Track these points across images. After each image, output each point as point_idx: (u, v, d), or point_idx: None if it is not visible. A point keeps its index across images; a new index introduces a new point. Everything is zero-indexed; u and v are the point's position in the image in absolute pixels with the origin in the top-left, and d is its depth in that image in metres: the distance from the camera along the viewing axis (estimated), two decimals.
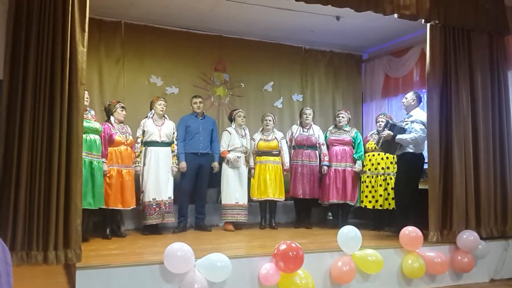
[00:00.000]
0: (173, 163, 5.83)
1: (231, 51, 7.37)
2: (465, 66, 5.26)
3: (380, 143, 5.48)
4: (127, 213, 5.88)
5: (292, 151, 6.53)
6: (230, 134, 6.24)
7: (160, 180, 5.66)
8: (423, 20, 5.13)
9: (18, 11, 3.65)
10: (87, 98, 5.19)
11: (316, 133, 6.54)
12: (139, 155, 5.69)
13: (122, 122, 5.64)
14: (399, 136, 5.24)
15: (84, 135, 4.87)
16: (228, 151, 6.17)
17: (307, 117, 6.55)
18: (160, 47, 6.91)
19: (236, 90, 7.47)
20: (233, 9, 6.19)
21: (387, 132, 5.30)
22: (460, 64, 5.22)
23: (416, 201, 5.35)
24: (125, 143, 5.53)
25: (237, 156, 6.11)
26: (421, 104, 5.64)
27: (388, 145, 5.38)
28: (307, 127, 6.56)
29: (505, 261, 5.20)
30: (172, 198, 5.76)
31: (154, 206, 5.60)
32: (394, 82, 7.64)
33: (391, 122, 5.37)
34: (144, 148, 5.74)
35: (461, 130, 5.13)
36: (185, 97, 6.78)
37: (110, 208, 5.32)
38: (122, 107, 5.63)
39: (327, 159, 6.43)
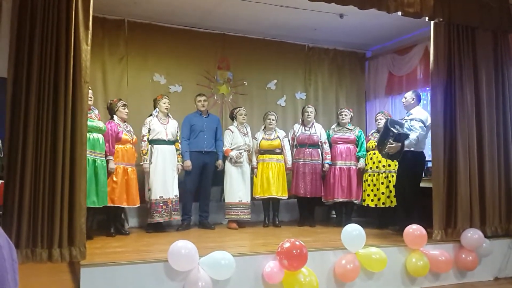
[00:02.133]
0: (178, 161, 5.84)
1: (234, 49, 7.37)
2: (469, 64, 5.24)
3: (385, 153, 5.40)
4: (131, 211, 5.90)
5: (294, 149, 6.53)
6: (233, 132, 6.24)
7: (167, 178, 5.68)
8: (427, 18, 5.11)
9: (22, 10, 3.65)
10: (91, 97, 5.21)
11: (318, 131, 6.53)
12: (146, 153, 5.69)
13: (125, 121, 5.65)
14: (406, 143, 5.22)
15: (87, 134, 4.90)
16: (231, 149, 6.17)
17: (308, 115, 6.54)
18: (164, 45, 6.91)
19: (240, 88, 7.47)
20: (236, 7, 6.19)
21: (394, 144, 5.21)
22: (464, 62, 5.20)
23: (418, 200, 5.35)
24: (131, 142, 5.57)
25: (239, 153, 6.10)
26: (421, 102, 5.64)
27: (393, 154, 5.32)
28: (309, 126, 6.55)
29: (510, 259, 5.19)
30: (178, 196, 5.78)
31: (161, 204, 5.61)
32: (398, 80, 7.62)
33: (395, 131, 5.23)
34: (150, 146, 5.75)
35: (465, 128, 5.11)
36: (188, 95, 6.79)
37: (114, 206, 5.33)
38: (124, 105, 5.63)
39: (329, 157, 6.43)
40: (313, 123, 6.59)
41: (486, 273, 5.07)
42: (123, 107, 5.60)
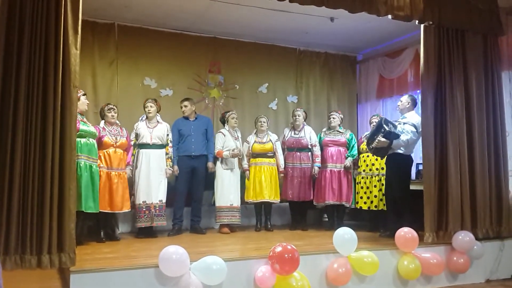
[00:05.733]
0: (167, 165, 5.79)
1: (225, 52, 7.37)
2: (459, 67, 5.27)
3: (372, 148, 5.42)
4: (121, 216, 5.85)
5: (285, 153, 6.52)
6: (225, 136, 6.22)
7: (151, 182, 5.62)
8: (417, 21, 5.13)
9: (10, 14, 3.61)
10: (87, 102, 5.24)
11: (308, 134, 6.52)
12: (131, 158, 5.68)
13: (114, 124, 5.59)
14: (395, 142, 5.24)
15: (84, 139, 4.93)
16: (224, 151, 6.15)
17: (296, 118, 6.54)
18: (154, 49, 6.89)
19: (231, 92, 7.46)
20: (227, 11, 6.19)
21: (383, 140, 5.25)
22: (454, 65, 5.23)
23: (408, 202, 5.36)
24: (114, 145, 5.46)
25: (233, 149, 6.06)
26: (416, 107, 5.66)
27: (378, 150, 5.36)
28: (299, 129, 6.55)
29: (501, 261, 5.21)
30: (164, 201, 5.71)
31: (144, 209, 5.57)
32: (389, 83, 7.66)
33: (386, 128, 5.27)
34: (136, 150, 5.73)
35: (455, 131, 5.13)
36: (179, 99, 6.71)
37: (104, 211, 5.27)
38: (110, 108, 5.57)
39: (319, 160, 6.42)
40: (303, 127, 6.58)
41: (477, 275, 5.08)
42: (108, 111, 5.56)
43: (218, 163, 6.17)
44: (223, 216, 6.07)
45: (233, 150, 6.08)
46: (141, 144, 5.71)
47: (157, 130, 5.79)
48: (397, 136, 5.24)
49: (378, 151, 5.44)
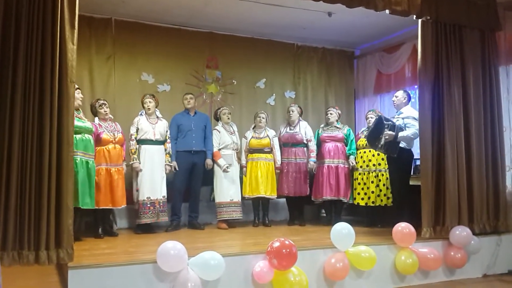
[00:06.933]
0: (166, 161, 5.79)
1: (223, 48, 7.35)
2: (456, 62, 5.26)
3: (380, 146, 5.30)
4: (119, 212, 5.85)
5: (281, 149, 6.52)
6: (220, 132, 6.22)
7: (154, 178, 5.63)
8: (414, 16, 5.13)
9: (7, 9, 3.59)
10: (81, 97, 5.20)
11: (303, 130, 6.50)
12: (135, 152, 5.64)
13: (109, 120, 5.56)
14: (401, 134, 5.22)
15: (80, 135, 4.91)
16: (219, 149, 6.16)
17: (290, 114, 6.53)
18: (152, 44, 6.87)
19: (228, 87, 7.45)
20: (225, 6, 6.18)
21: (389, 132, 5.18)
22: (452, 60, 5.22)
23: (409, 197, 5.36)
24: (113, 141, 5.45)
25: (227, 166, 6.06)
26: (410, 101, 5.67)
27: (389, 146, 5.26)
28: (294, 125, 6.54)
29: (498, 256, 5.22)
30: (166, 196, 5.73)
31: (149, 205, 5.56)
32: (386, 78, 7.66)
33: (391, 123, 5.21)
34: (137, 146, 5.70)
35: (453, 126, 5.13)
36: (177, 94, 6.76)
37: (101, 207, 5.27)
38: (101, 104, 5.52)
39: (314, 155, 6.40)
40: (298, 122, 6.57)
41: (474, 270, 5.10)
42: (100, 107, 5.51)
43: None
44: (224, 211, 6.07)
45: (227, 167, 6.06)
46: (143, 140, 5.69)
47: (159, 126, 5.78)
48: (400, 129, 5.23)
49: (388, 148, 5.28)
